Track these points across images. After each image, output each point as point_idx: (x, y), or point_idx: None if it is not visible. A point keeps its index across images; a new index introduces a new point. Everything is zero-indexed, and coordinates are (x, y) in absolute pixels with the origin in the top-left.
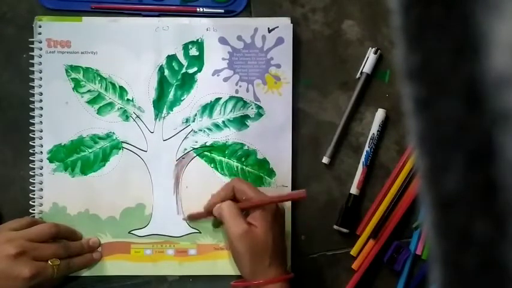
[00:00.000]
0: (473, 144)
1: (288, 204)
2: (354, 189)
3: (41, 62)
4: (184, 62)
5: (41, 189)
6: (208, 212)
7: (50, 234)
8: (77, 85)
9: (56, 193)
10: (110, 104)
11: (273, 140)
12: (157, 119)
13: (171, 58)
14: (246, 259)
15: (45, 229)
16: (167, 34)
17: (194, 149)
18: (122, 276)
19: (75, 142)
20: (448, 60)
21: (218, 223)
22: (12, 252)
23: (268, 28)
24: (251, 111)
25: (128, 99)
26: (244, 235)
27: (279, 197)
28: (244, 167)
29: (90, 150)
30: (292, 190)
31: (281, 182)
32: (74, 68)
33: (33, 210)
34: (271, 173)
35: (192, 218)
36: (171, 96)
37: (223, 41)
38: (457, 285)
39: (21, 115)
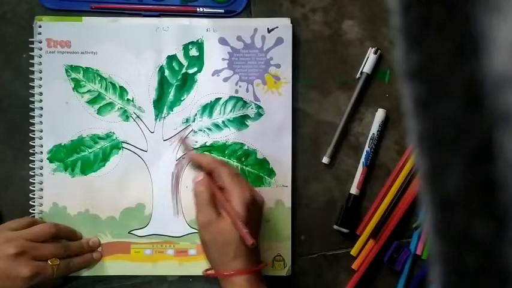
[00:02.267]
0: (473, 145)
1: (287, 204)
2: (354, 189)
3: (41, 62)
4: (185, 62)
5: (41, 189)
6: (190, 160)
7: (49, 234)
8: (77, 85)
9: (56, 193)
10: (110, 104)
11: (273, 139)
12: (158, 119)
13: (171, 58)
14: (209, 249)
15: (45, 229)
16: (167, 34)
17: (194, 149)
18: (122, 276)
19: (75, 142)
20: (448, 60)
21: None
22: (12, 252)
23: (268, 28)
24: (251, 111)
25: (128, 99)
26: (208, 225)
27: (236, 224)
28: (244, 167)
29: (90, 150)
30: (292, 190)
31: (281, 182)
32: (74, 68)
33: (33, 210)
34: (271, 172)
35: (183, 143)
36: (171, 96)
37: (223, 41)
38: (457, 285)
39: (21, 115)
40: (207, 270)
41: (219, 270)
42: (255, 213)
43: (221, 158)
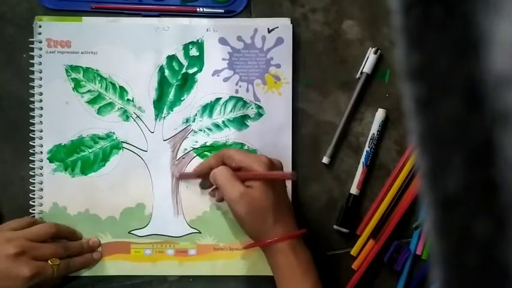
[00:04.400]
0: (473, 144)
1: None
2: (354, 189)
3: (41, 62)
4: (185, 62)
5: (41, 189)
6: (197, 175)
7: (49, 234)
8: (77, 85)
9: (56, 193)
10: (110, 104)
11: (273, 140)
12: (158, 119)
13: (171, 58)
14: (247, 221)
15: (45, 229)
16: (167, 34)
17: (194, 149)
18: (122, 276)
19: (75, 142)
20: (448, 60)
21: (207, 185)
22: (12, 252)
23: (268, 28)
24: (251, 111)
25: (128, 99)
26: (241, 197)
27: (268, 174)
28: None
29: (90, 150)
30: (292, 190)
31: None
32: (74, 68)
33: (33, 210)
34: None
35: (183, 177)
36: (171, 96)
37: (223, 41)
38: (457, 285)
39: (21, 115)
40: (248, 245)
41: (261, 239)
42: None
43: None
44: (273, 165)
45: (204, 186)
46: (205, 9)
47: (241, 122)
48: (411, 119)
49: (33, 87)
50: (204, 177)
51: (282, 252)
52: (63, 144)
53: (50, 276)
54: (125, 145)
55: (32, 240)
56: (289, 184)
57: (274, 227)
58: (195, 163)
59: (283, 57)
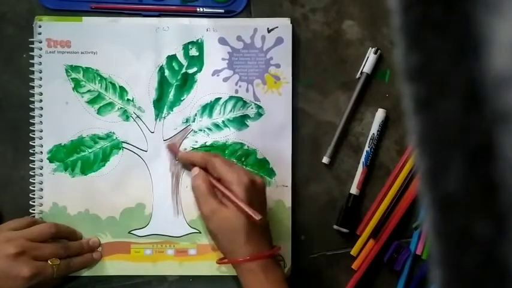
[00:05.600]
0: (473, 144)
1: (288, 204)
2: (354, 189)
3: (41, 62)
4: (184, 62)
5: (41, 189)
6: (180, 160)
7: (49, 234)
8: (77, 85)
9: (56, 193)
10: (110, 104)
11: (273, 139)
12: (158, 119)
13: (171, 58)
14: (218, 238)
15: (45, 229)
16: (167, 34)
17: (194, 148)
18: (122, 276)
19: (75, 142)
20: (448, 60)
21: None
22: (12, 251)
23: (268, 28)
24: (251, 111)
25: (128, 99)
26: (212, 214)
27: (239, 203)
28: (244, 167)
29: (90, 150)
30: (292, 190)
31: (281, 182)
32: (74, 68)
33: (33, 210)
34: (271, 172)
35: (170, 148)
36: (171, 96)
37: (223, 41)
38: (457, 286)
39: (21, 115)
40: (220, 259)
41: (232, 257)
42: (257, 195)
43: None
44: (254, 185)
45: (178, 160)
46: (205, 9)
47: (241, 122)
48: (410, 119)
49: (33, 87)
50: (183, 163)
51: (251, 272)
52: (63, 144)
53: (49, 276)
54: (125, 145)
55: (32, 240)
56: (289, 184)
57: (244, 246)
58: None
59: (283, 57)
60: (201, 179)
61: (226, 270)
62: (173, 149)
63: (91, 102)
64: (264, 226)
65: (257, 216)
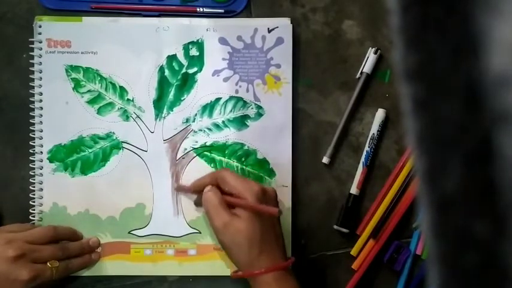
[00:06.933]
0: (472, 145)
1: (287, 205)
2: (354, 189)
3: (41, 62)
4: (185, 62)
5: (41, 189)
6: (193, 190)
7: (48, 237)
8: (77, 85)
9: (56, 193)
10: (110, 104)
11: (273, 140)
12: (158, 119)
13: (172, 58)
14: (232, 251)
15: (44, 231)
16: (167, 34)
17: (194, 149)
18: (122, 276)
19: (75, 142)
20: (447, 61)
21: (200, 202)
22: (11, 254)
23: (268, 28)
24: (251, 111)
25: (128, 99)
26: (225, 228)
27: (255, 206)
28: (244, 167)
29: (90, 150)
30: (292, 190)
31: (281, 182)
32: (74, 68)
33: (33, 210)
34: (271, 173)
35: (180, 189)
36: (171, 96)
37: (223, 41)
38: (456, 286)
39: (21, 115)
40: (235, 272)
41: (247, 270)
42: (270, 203)
43: (221, 157)
44: (265, 194)
45: (197, 203)
46: (205, 9)
47: (241, 122)
48: (409, 119)
49: (33, 87)
50: (198, 194)
51: (266, 284)
52: (63, 144)
53: (48, 279)
54: (125, 145)
55: (31, 242)
56: (289, 184)
57: (258, 258)
58: (195, 163)
59: (283, 57)
60: (211, 191)
61: (226, 270)
62: (183, 189)
63: (91, 102)
64: (278, 236)
65: (275, 211)
